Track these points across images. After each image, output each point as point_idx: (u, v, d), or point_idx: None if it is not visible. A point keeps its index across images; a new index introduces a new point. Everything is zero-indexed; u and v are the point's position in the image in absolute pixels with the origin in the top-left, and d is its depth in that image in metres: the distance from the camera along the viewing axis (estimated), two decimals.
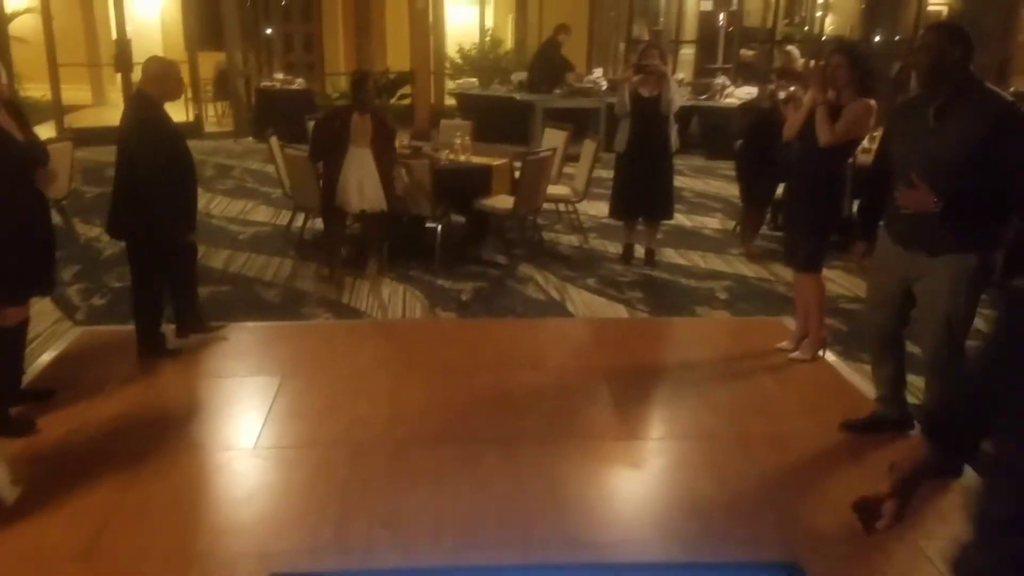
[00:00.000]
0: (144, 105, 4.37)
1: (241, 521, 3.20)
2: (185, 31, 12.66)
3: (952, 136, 3.23)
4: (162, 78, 4.38)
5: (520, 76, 12.04)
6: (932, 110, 3.31)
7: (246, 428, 3.91)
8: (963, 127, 3.20)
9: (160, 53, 14.78)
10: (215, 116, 13.75)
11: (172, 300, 4.68)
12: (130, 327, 4.61)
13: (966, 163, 3.18)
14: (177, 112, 13.07)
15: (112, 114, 12.49)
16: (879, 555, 3.03)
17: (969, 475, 3.48)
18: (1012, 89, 10.75)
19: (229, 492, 3.43)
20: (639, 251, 6.69)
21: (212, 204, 8.49)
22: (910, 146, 3.43)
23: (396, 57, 14.76)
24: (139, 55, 12.65)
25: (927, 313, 3.42)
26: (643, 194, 6.37)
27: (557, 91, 11.18)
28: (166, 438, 3.79)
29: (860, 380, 4.49)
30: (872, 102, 4.22)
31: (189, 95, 12.80)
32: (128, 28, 12.05)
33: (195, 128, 12.63)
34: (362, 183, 5.75)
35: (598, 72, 12.06)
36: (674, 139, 6.33)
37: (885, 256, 3.60)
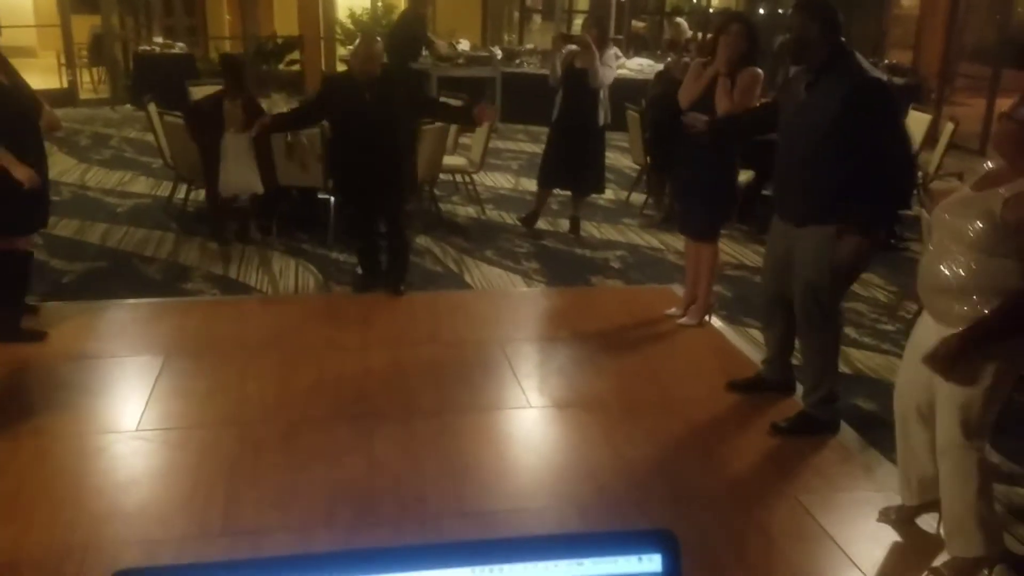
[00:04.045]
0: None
1: (123, 507, 3.07)
2: None
3: (817, 108, 3.38)
4: None
5: None
6: (804, 83, 3.45)
7: (127, 410, 3.74)
8: (825, 99, 3.35)
9: (30, 16, 14.03)
10: (90, 83, 12.97)
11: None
12: None
13: (826, 134, 3.33)
14: (49, 78, 12.37)
15: None
16: (762, 511, 3.17)
17: (845, 434, 3.68)
18: (887, 62, 11.29)
19: (110, 477, 3.28)
20: (555, 224, 6.72)
21: (88, 175, 8.03)
22: (786, 118, 3.58)
23: (284, 21, 14.23)
24: (6, 18, 11.76)
25: (796, 280, 3.58)
26: (568, 164, 6.36)
27: (413, 64, 10.82)
28: (40, 423, 3.59)
29: (744, 344, 4.66)
30: (759, 71, 4.37)
31: (62, 60, 12.07)
32: None
33: (69, 95, 11.88)
34: (234, 169, 5.69)
35: (464, 43, 11.89)
36: (603, 113, 6.28)
37: (773, 225, 3.74)
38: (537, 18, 14.99)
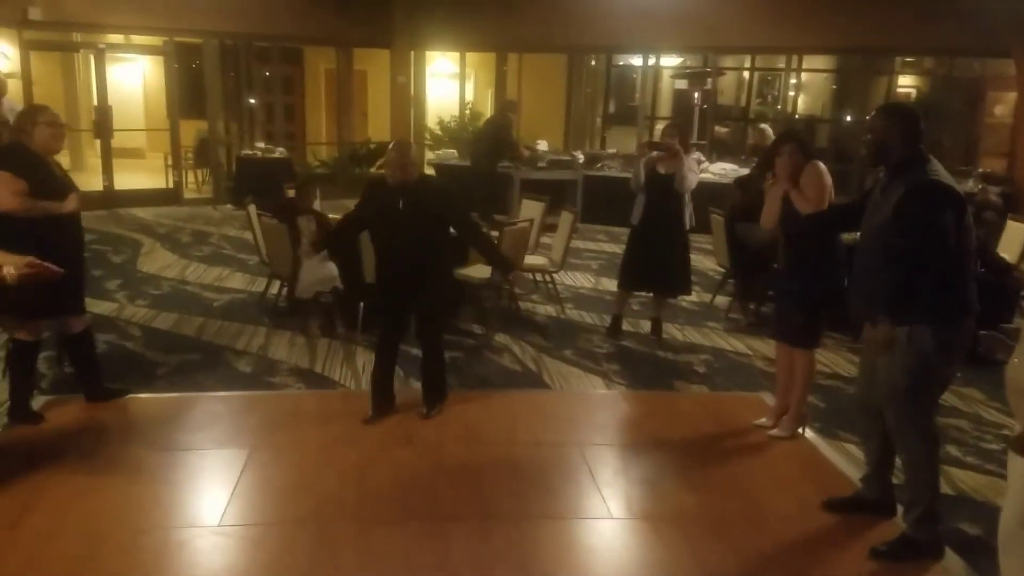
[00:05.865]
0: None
1: None
2: (168, 99, 12.75)
3: (881, 210, 3.36)
4: None
5: None
6: (881, 186, 3.47)
7: (210, 504, 3.77)
8: (888, 201, 3.34)
9: (141, 121, 15.08)
10: (195, 183, 13.76)
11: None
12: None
13: (884, 236, 3.31)
14: (157, 178, 13.19)
15: (90, 179, 12.47)
16: None
17: (949, 560, 3.42)
18: (981, 170, 11.04)
19: (188, 573, 3.28)
20: (636, 324, 6.67)
21: (188, 271, 8.41)
22: (865, 220, 3.57)
23: (377, 127, 14.92)
24: (120, 122, 12.71)
25: (885, 386, 3.42)
26: (652, 268, 6.35)
27: (502, 165, 11.08)
28: (124, 515, 3.64)
29: (840, 459, 4.43)
30: (818, 163, 4.46)
31: (169, 162, 12.87)
32: (109, 95, 12.12)
33: (174, 195, 12.63)
34: (310, 272, 6.25)
35: (543, 144, 12.27)
36: (688, 216, 6.33)
37: (865, 332, 3.61)
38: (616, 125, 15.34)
